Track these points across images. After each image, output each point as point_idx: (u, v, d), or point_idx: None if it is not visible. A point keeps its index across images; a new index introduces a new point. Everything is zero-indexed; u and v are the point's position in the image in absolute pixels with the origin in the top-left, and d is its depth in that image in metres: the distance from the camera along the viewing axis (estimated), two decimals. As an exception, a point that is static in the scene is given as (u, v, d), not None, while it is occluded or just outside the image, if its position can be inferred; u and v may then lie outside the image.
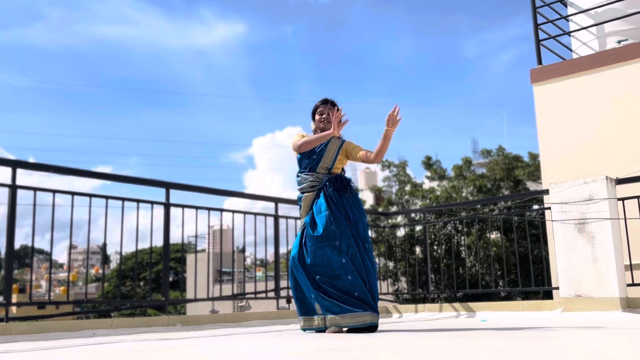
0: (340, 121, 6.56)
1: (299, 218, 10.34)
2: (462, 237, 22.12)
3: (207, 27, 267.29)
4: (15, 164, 6.96)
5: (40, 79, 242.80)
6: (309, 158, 6.56)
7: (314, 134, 6.69)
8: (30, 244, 7.47)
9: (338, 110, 6.58)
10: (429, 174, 30.54)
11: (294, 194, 6.55)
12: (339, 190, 6.34)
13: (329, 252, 6.06)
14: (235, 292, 9.45)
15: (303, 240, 6.28)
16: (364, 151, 6.55)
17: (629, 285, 8.14)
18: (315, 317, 6.11)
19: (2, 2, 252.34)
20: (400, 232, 20.35)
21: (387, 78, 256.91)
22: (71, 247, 8.34)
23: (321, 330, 6.05)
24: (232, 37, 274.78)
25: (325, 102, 6.73)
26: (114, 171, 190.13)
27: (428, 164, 30.81)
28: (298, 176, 6.60)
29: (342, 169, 6.68)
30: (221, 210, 9.49)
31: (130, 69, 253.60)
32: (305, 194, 6.50)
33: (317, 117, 6.71)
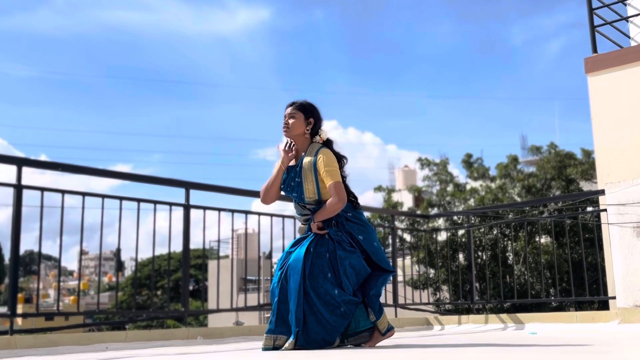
0: (287, 148, 6.25)
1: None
2: (510, 242, 22.06)
3: (228, 12, 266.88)
4: (20, 162, 6.95)
5: (47, 69, 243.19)
6: (290, 194, 6.21)
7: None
8: (37, 249, 7.48)
9: (288, 120, 6.19)
10: (469, 173, 30.47)
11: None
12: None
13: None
14: (261, 302, 9.47)
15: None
16: (331, 187, 5.97)
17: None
18: None
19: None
20: (442, 237, 20.34)
21: (427, 68, 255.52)
22: (82, 252, 8.37)
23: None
24: (256, 23, 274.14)
25: (289, 105, 6.32)
26: (134, 169, 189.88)
27: (468, 162, 30.74)
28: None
29: None
30: (246, 212, 9.45)
31: (144, 58, 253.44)
32: (300, 226, 6.27)
33: None
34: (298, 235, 6.31)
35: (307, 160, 6.08)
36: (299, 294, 5.72)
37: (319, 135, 6.24)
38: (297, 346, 5.64)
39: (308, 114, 6.22)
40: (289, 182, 6.17)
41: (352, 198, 6.19)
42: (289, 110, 6.22)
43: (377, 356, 4.80)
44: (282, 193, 6.36)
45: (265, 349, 5.71)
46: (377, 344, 5.97)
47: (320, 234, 5.95)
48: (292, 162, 6.26)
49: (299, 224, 6.35)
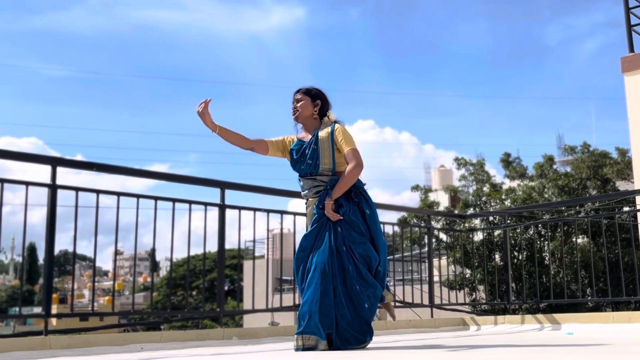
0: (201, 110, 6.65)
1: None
2: (546, 242, 21.95)
3: (263, 11, 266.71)
4: (55, 162, 6.99)
5: (81, 69, 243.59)
6: (303, 163, 6.27)
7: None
8: (72, 249, 7.50)
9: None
10: (508, 172, 30.31)
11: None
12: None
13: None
14: (296, 302, 9.50)
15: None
16: (349, 152, 6.13)
17: None
18: None
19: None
20: (478, 237, 20.30)
21: (460, 67, 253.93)
22: (117, 252, 8.39)
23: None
24: (290, 23, 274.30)
25: (296, 92, 6.54)
26: (171, 169, 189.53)
27: (507, 161, 30.57)
28: (299, 181, 6.41)
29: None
30: (281, 212, 9.45)
31: (178, 57, 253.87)
32: (310, 200, 6.34)
33: None
34: (307, 213, 6.40)
35: (323, 132, 6.27)
36: (328, 295, 5.79)
37: (327, 117, 6.41)
38: (332, 348, 5.69)
39: (314, 97, 6.45)
40: (303, 151, 6.29)
41: None
42: (296, 96, 6.45)
43: (412, 357, 4.83)
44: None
45: (297, 349, 5.77)
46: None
47: (333, 220, 6.02)
48: (304, 136, 6.44)
49: (305, 202, 6.43)
